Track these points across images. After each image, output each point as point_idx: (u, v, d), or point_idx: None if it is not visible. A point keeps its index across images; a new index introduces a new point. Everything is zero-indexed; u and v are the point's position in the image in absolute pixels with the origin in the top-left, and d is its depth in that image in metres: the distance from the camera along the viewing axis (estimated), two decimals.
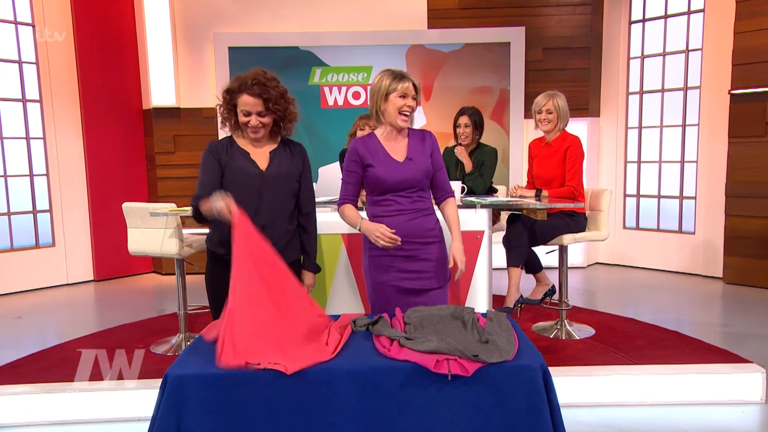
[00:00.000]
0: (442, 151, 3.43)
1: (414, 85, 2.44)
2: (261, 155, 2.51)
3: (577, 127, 5.86)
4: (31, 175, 5.63)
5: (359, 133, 3.99)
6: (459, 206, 3.17)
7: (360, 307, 3.22)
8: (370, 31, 5.96)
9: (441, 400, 1.83)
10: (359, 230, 2.51)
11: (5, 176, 5.46)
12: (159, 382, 1.85)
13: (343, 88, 6.03)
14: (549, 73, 6.01)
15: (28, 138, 5.56)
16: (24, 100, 5.52)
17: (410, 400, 1.82)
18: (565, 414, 1.96)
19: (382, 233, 2.40)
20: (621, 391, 2.99)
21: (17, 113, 5.48)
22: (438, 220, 2.59)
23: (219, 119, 2.54)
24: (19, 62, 5.48)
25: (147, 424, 1.86)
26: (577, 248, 6.04)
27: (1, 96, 5.35)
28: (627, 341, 3.59)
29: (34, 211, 5.66)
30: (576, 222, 3.63)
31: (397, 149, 2.51)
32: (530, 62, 6.01)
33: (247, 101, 2.39)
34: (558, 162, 3.65)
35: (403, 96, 2.42)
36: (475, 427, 1.84)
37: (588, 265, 6.22)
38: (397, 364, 1.86)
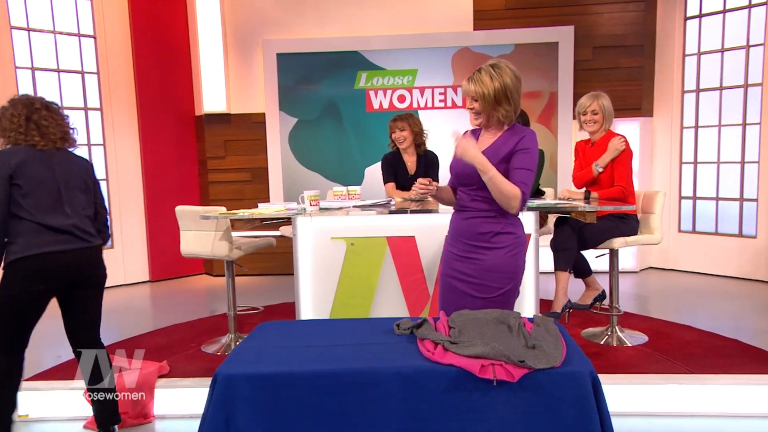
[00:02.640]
0: None
1: (475, 88, 2.32)
2: None
3: (629, 127, 5.70)
4: None
5: (393, 136, 4.00)
6: None
7: (405, 310, 3.22)
8: (415, 34, 5.97)
9: (486, 405, 1.81)
10: None
11: None
12: (209, 380, 1.90)
13: (389, 92, 6.06)
14: (599, 72, 5.87)
15: (89, 144, 5.84)
16: (86, 108, 5.81)
17: (454, 405, 1.81)
18: (617, 423, 1.90)
19: (417, 182, 2.43)
20: (675, 401, 2.89)
21: (79, 121, 5.77)
22: (505, 227, 2.36)
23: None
24: (82, 72, 5.77)
25: (198, 422, 1.92)
26: (629, 252, 5.86)
27: (65, 105, 5.66)
28: (682, 349, 3.46)
29: None
30: (627, 225, 3.53)
31: (484, 143, 2.42)
32: (579, 62, 5.88)
33: None
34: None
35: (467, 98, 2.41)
36: None
37: (640, 270, 6.02)
38: (442, 368, 1.85)
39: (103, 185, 5.91)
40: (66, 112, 2.70)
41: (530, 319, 2.19)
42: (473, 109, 2.38)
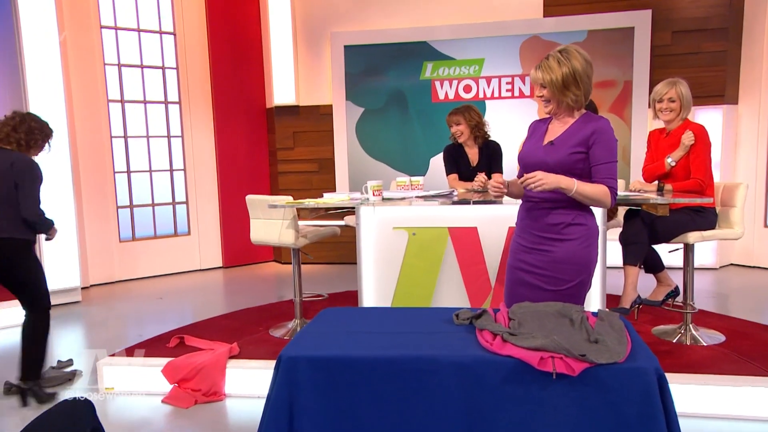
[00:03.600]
0: None
1: (543, 75, 2.27)
2: None
3: (711, 115, 5.39)
4: (171, 170, 6.24)
5: (451, 130, 3.95)
6: None
7: (466, 301, 3.22)
8: (482, 22, 5.88)
9: (544, 398, 1.80)
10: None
11: (150, 171, 6.11)
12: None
13: (455, 82, 6.01)
14: (678, 58, 5.57)
15: (169, 136, 6.17)
16: (166, 102, 6.13)
17: (511, 396, 1.81)
18: (687, 425, 1.83)
19: (491, 184, 2.37)
20: (754, 404, 2.73)
21: (160, 114, 6.11)
22: (577, 218, 2.31)
23: None
24: (163, 68, 6.09)
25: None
26: (708, 247, 5.55)
27: (147, 99, 6.01)
28: (763, 350, 3.26)
29: (173, 203, 6.28)
30: (704, 218, 3.36)
31: (555, 132, 2.36)
32: (657, 47, 5.60)
33: None
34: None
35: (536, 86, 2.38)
36: (581, 429, 1.78)
37: (720, 267, 5.70)
38: (500, 358, 1.85)
39: (180, 175, 6.25)
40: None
41: (594, 314, 2.15)
42: (542, 97, 2.34)
